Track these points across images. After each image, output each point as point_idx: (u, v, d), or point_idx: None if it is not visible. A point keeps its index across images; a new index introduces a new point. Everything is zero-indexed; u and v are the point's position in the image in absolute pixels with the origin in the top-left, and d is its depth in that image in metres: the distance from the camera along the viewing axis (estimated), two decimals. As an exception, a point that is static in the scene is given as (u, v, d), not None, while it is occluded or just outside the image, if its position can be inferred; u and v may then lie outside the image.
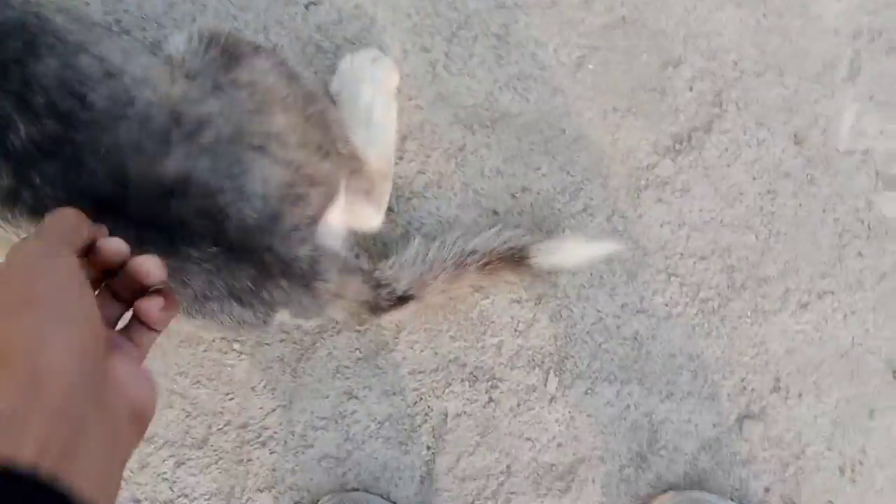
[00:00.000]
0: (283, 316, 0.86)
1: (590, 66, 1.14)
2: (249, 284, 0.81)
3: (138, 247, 0.75)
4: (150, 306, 0.56)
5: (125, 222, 0.76)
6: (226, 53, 0.86)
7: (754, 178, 1.14)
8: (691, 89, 1.15)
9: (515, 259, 1.00)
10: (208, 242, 0.78)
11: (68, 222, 0.53)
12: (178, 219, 0.76)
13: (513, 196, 1.11)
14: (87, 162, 0.75)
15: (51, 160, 0.74)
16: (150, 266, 0.56)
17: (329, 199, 0.88)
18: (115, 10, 1.06)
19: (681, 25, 1.16)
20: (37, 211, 0.77)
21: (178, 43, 0.87)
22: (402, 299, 0.94)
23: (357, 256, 1.03)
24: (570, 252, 1.02)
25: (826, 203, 1.15)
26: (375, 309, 0.93)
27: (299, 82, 0.89)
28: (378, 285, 0.93)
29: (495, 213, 1.10)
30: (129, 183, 0.75)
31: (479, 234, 1.02)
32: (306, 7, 1.09)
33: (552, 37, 1.14)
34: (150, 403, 0.49)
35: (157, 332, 0.57)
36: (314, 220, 0.85)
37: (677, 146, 1.14)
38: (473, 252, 0.99)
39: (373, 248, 1.07)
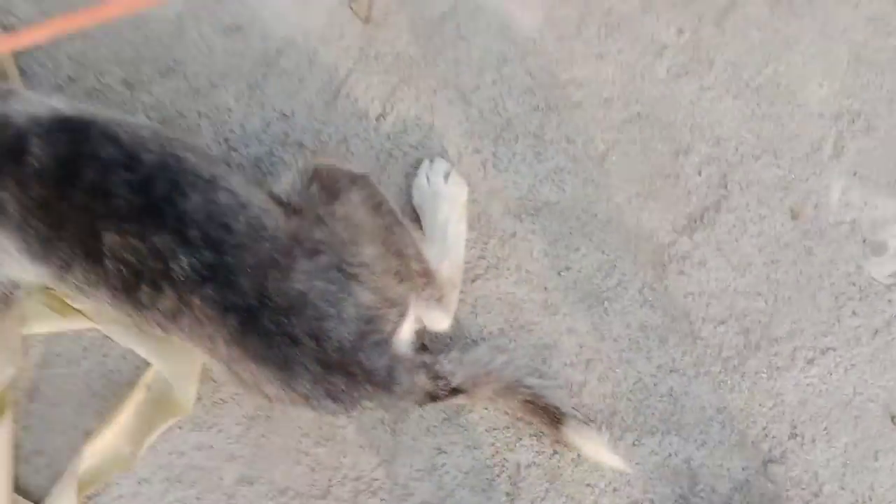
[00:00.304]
0: (364, 405, 1.10)
1: (613, 158, 1.39)
2: (342, 388, 1.05)
3: (261, 365, 0.99)
4: None
5: (255, 341, 1.00)
6: (325, 189, 1.10)
7: (760, 250, 1.39)
8: (700, 174, 1.40)
9: (553, 418, 1.22)
10: (312, 361, 1.02)
11: None
12: (294, 337, 1.00)
13: (558, 274, 1.35)
14: (237, 280, 0.98)
15: (208, 283, 0.97)
16: None
17: (403, 315, 1.12)
18: (223, 130, 1.31)
19: (687, 117, 1.42)
20: (193, 329, 1.01)
21: (285, 184, 1.12)
22: (455, 391, 1.17)
23: (422, 349, 1.27)
24: (594, 450, 1.24)
25: (822, 269, 1.40)
26: (434, 397, 1.16)
27: (382, 212, 1.13)
28: (437, 377, 1.15)
29: (545, 289, 1.34)
30: (267, 295, 0.99)
31: (541, 378, 1.26)
32: (376, 119, 1.35)
33: (580, 133, 1.39)
34: None
35: None
36: (391, 334, 1.10)
37: (692, 225, 1.39)
38: (528, 387, 1.22)
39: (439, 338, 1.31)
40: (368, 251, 1.08)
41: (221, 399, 1.29)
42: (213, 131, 1.32)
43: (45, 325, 1.26)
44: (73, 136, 0.99)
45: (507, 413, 1.30)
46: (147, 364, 1.27)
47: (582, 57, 1.39)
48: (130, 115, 1.29)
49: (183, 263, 0.96)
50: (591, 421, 1.32)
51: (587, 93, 1.40)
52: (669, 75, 1.42)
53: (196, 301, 0.97)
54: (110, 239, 0.96)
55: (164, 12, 1.33)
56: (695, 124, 1.42)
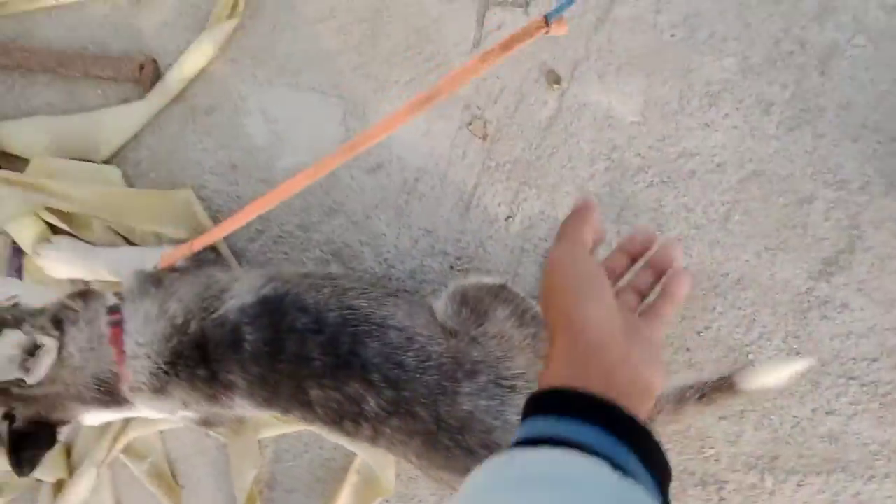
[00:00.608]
0: None
1: (736, 218, 1.49)
2: None
3: (446, 470, 1.20)
4: (680, 283, 0.69)
5: (438, 455, 1.18)
6: (474, 311, 1.27)
7: (904, 284, 1.44)
8: (828, 219, 1.46)
9: (725, 387, 1.31)
10: None
11: (580, 223, 0.69)
12: (469, 449, 1.18)
13: (698, 334, 1.46)
14: (415, 410, 1.17)
15: (393, 416, 1.17)
16: (676, 252, 0.71)
17: None
18: (381, 252, 1.57)
19: (806, 166, 1.47)
20: (389, 449, 1.22)
21: (439, 308, 1.31)
22: None
23: None
24: (777, 376, 1.30)
25: (975, 293, 1.43)
26: None
27: (527, 320, 1.28)
28: None
29: (688, 349, 1.46)
30: (441, 419, 1.17)
31: (690, 369, 1.38)
32: (505, 220, 1.55)
33: (698, 201, 1.50)
34: (658, 380, 0.61)
35: (678, 304, 0.70)
36: None
37: (828, 269, 1.45)
38: (690, 387, 1.32)
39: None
40: (520, 361, 1.23)
41: (417, 474, 1.51)
42: (374, 254, 1.57)
43: (273, 430, 1.59)
44: (273, 317, 1.21)
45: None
46: (354, 452, 1.54)
47: (687, 129, 1.50)
48: (310, 256, 1.59)
49: (371, 404, 1.17)
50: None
51: (699, 161, 1.49)
52: (780, 130, 1.48)
53: (387, 430, 1.18)
54: (314, 393, 1.18)
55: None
56: (815, 172, 1.47)
